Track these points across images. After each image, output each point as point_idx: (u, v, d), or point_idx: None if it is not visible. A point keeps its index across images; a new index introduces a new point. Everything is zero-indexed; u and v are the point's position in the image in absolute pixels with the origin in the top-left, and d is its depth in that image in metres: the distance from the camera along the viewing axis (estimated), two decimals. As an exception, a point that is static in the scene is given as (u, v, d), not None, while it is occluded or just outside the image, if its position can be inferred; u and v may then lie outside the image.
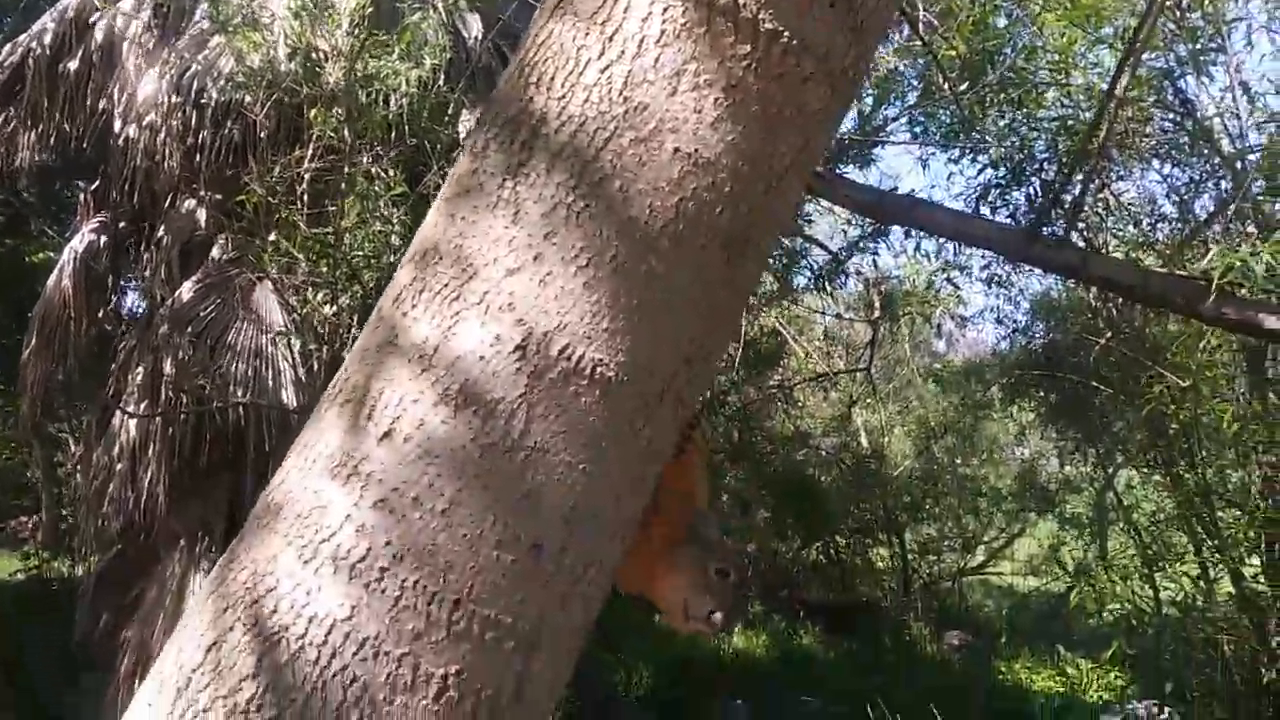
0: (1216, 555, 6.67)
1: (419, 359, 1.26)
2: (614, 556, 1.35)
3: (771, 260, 9.76)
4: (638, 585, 1.69)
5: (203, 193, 8.00)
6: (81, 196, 9.29)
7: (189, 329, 7.62)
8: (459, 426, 1.24)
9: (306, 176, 6.25)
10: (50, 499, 14.65)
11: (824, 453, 11.95)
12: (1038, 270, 8.86)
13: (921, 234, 7.46)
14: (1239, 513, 6.40)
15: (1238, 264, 3.69)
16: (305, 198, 6.26)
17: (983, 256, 7.88)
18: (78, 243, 8.59)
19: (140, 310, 9.24)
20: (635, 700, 9.53)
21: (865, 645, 11.53)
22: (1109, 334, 6.52)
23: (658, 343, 1.31)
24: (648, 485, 1.38)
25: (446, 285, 1.28)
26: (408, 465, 1.24)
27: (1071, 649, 10.81)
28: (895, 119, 7.79)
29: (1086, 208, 7.29)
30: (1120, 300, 7.80)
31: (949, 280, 7.37)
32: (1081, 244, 5.72)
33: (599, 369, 1.26)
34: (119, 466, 8.03)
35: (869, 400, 11.98)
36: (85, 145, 8.44)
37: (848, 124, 8.32)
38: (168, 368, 7.75)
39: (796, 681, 10.33)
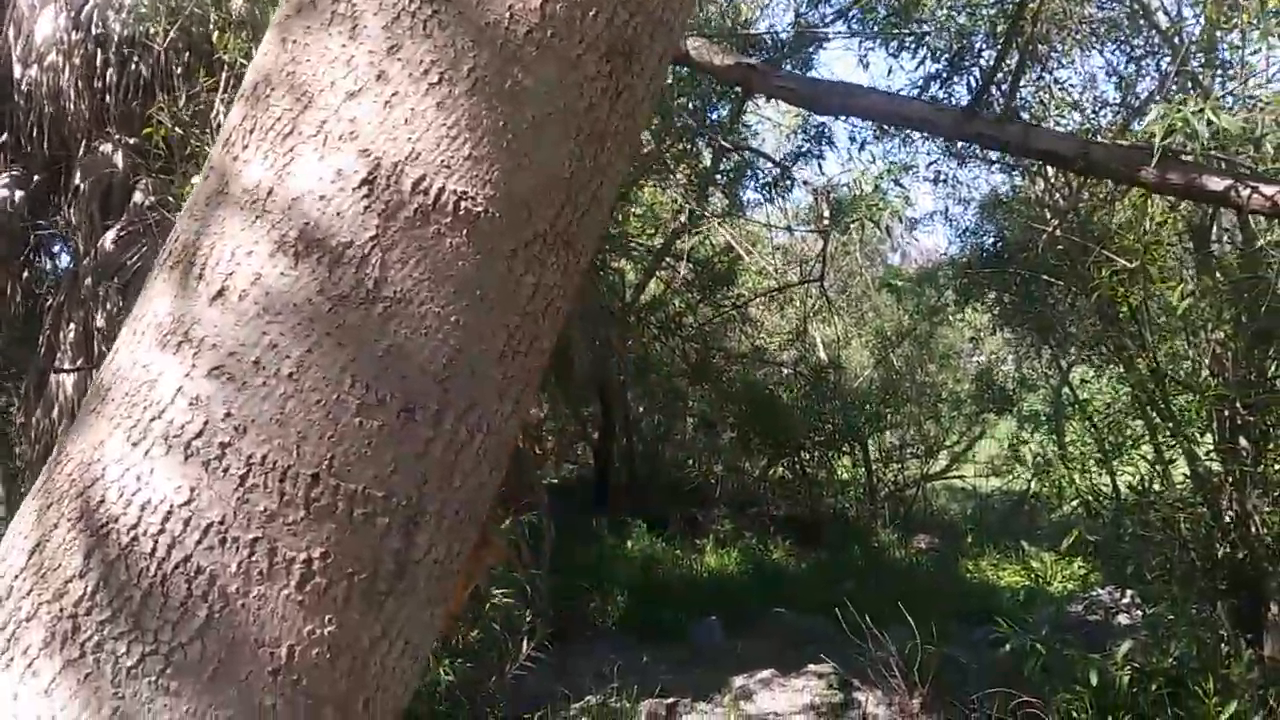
0: (1171, 439, 6.70)
1: (251, 205, 1.09)
2: (504, 420, 1.19)
3: (719, 175, 9.58)
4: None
5: (116, 135, 7.62)
6: (-11, 151, 8.83)
7: (115, 279, 7.32)
8: (302, 278, 1.07)
9: (220, 106, 5.92)
10: (4, 474, 14.30)
11: (783, 368, 11.88)
12: (983, 165, 8.78)
13: (864, 131, 7.30)
14: (1191, 395, 6.42)
15: (1179, 124, 3.58)
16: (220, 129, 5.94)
17: (928, 154, 7.75)
18: (-10, 199, 8.16)
19: (64, 266, 8.88)
20: (612, 626, 9.55)
21: (835, 555, 11.61)
22: (1056, 223, 6.42)
23: (533, 172, 1.13)
24: (540, 346, 1.22)
25: (279, 119, 1.10)
26: (245, 326, 1.07)
27: (1036, 544, 10.97)
28: (833, 17, 7.59)
29: (1029, 95, 7.17)
30: (1066, 189, 7.74)
31: (896, 181, 7.23)
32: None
33: (463, 204, 1.09)
34: (60, 428, 7.77)
35: (824, 314, 11.89)
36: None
37: (784, 23, 8.07)
38: (99, 321, 7.46)
39: (769, 595, 10.40)
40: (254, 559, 1.03)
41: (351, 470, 1.07)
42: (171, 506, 1.03)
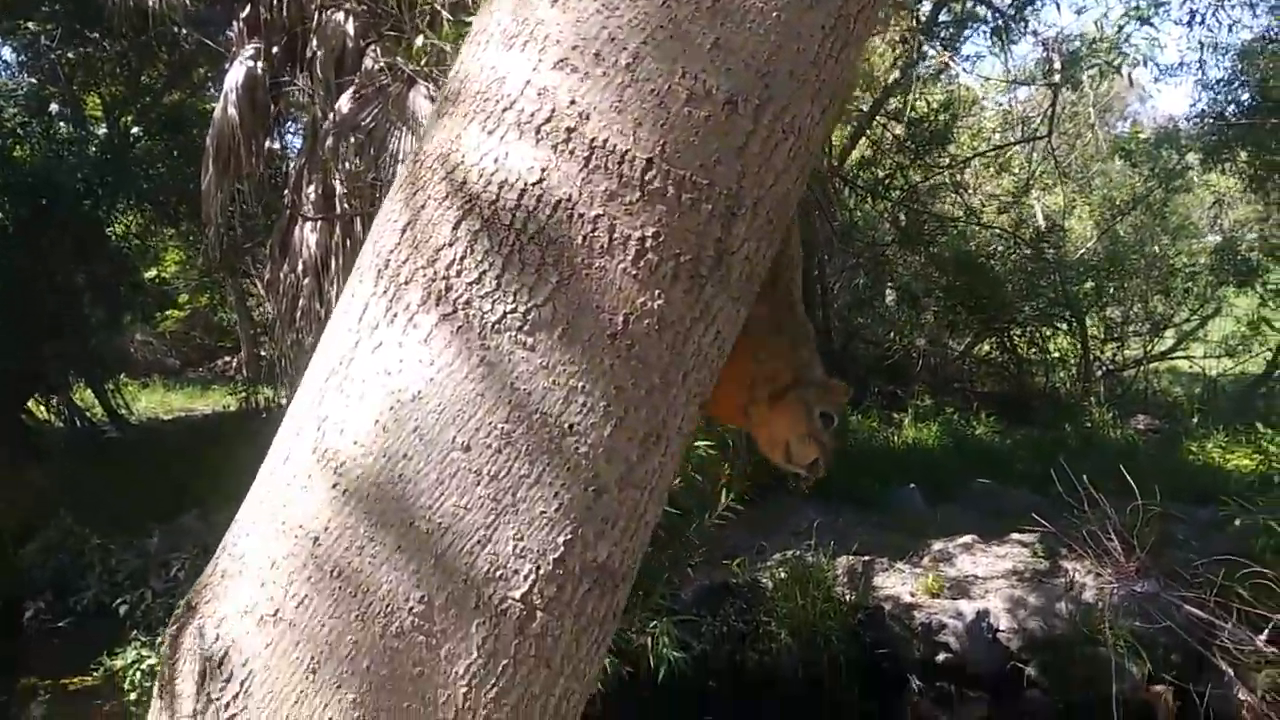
0: None
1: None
2: (816, 124, 1.24)
3: (937, 27, 9.05)
4: (732, 416, 1.55)
5: (348, 2, 8.02)
6: (234, 25, 9.46)
7: (352, 140, 7.81)
8: (638, -27, 1.13)
9: (446, -39, 6.10)
10: (246, 332, 15.81)
11: (999, 235, 11.29)
12: (1246, 4, 7.84)
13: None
14: None
15: None
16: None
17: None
18: (237, 70, 8.80)
19: (303, 132, 9.54)
20: (807, 491, 9.69)
21: (1044, 433, 11.21)
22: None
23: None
24: (847, 56, 1.24)
25: None
26: (585, 21, 1.15)
27: (1273, 428, 10.19)
28: None
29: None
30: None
31: (1144, 19, 6.60)
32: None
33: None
34: (305, 281, 8.48)
35: (1048, 179, 11.17)
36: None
37: None
38: (337, 181, 8.01)
39: (970, 468, 10.22)
40: (596, 233, 1.14)
41: (681, 156, 1.15)
42: (525, 184, 1.15)
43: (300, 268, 8.62)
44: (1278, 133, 7.70)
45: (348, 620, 1.15)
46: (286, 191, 8.93)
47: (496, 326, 1.15)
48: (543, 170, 1.15)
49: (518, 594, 1.17)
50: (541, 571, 1.17)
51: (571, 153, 1.15)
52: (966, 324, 12.62)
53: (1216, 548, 6.64)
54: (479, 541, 1.16)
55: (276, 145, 9.23)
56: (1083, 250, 12.10)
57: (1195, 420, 11.10)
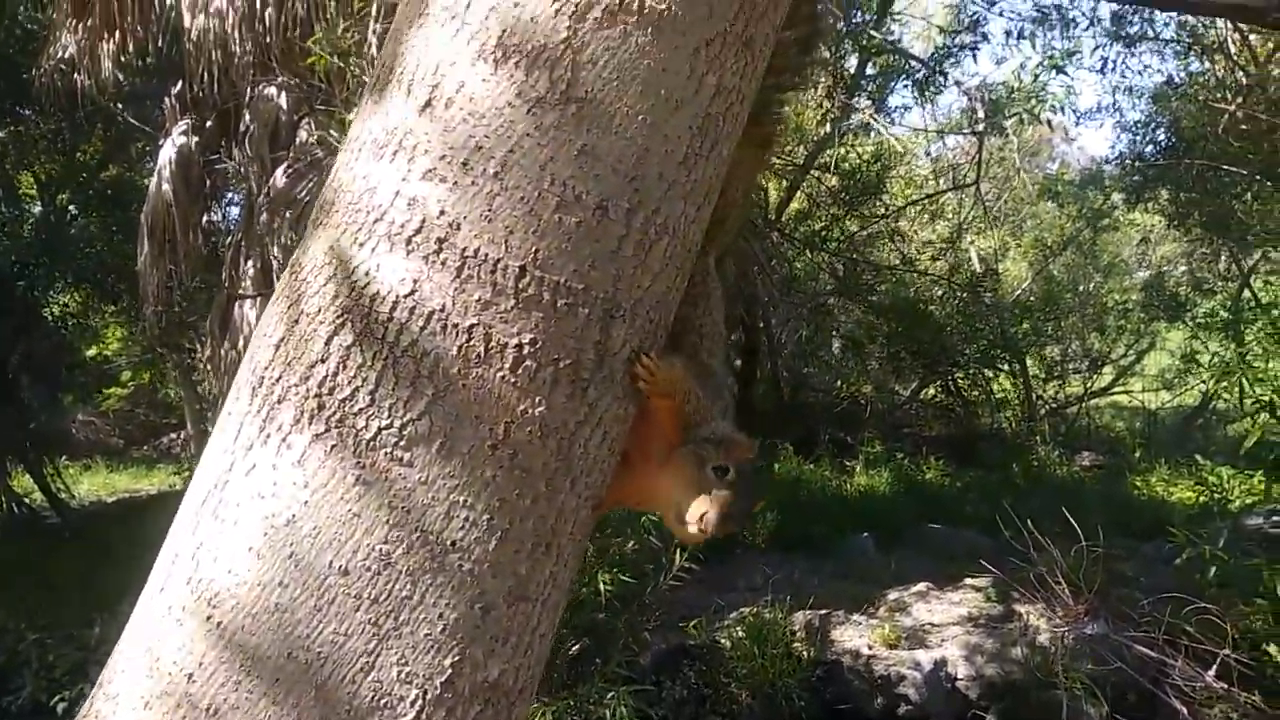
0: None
1: (450, 19, 1.16)
2: (691, 223, 1.24)
3: (864, 81, 9.27)
4: (641, 498, 1.50)
5: (279, 77, 8.01)
6: (166, 101, 9.41)
7: (288, 213, 7.75)
8: (501, 83, 1.13)
9: (375, 33, 6.13)
10: (192, 407, 15.48)
11: (935, 281, 11.49)
12: (1154, 53, 8.15)
13: (1021, 22, 6.90)
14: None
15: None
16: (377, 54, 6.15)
17: (1094, 37, 7.25)
18: (170, 147, 8.73)
19: (239, 208, 9.45)
20: (761, 544, 9.65)
21: (991, 474, 11.32)
22: (1239, 101, 5.95)
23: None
24: (720, 152, 1.25)
25: (473, -64, 1.16)
26: (453, 130, 1.15)
27: (1211, 459, 10.38)
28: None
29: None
30: (1248, 67, 7.10)
31: (1059, 68, 6.82)
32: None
33: (648, 2, 1.12)
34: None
35: (979, 224, 11.42)
36: (161, 49, 8.51)
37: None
38: (276, 252, 7.93)
39: (922, 512, 10.27)
40: (472, 343, 1.12)
41: (555, 262, 1.14)
42: (398, 297, 1.13)
43: (241, 344, 8.48)
44: (1193, 171, 7.97)
45: (222, 761, 1.10)
46: (224, 269, 8.83)
47: (372, 444, 1.13)
48: (415, 282, 1.13)
49: (402, 722, 1.12)
50: (429, 696, 1.14)
51: (443, 263, 1.13)
52: (911, 369, 12.77)
53: (1163, 584, 6.71)
54: (361, 669, 1.12)
55: (217, 217, 9.12)
56: (1018, 291, 12.36)
57: (1138, 455, 11.29)
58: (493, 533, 1.14)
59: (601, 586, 6.09)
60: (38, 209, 12.39)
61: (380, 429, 1.12)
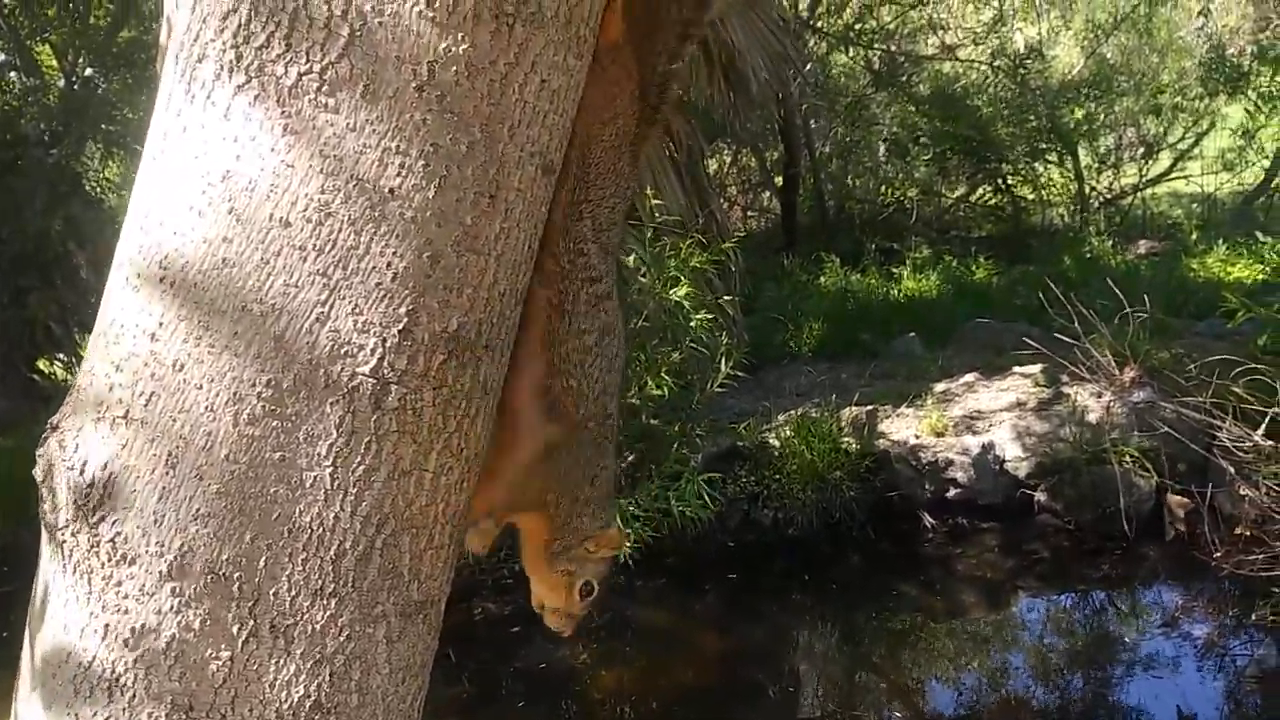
0: None
1: None
2: None
3: None
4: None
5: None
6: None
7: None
8: None
9: None
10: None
11: (978, 65, 10.90)
12: None
13: None
14: None
15: None
16: None
17: None
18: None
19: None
20: (808, 353, 9.69)
21: (1042, 268, 11.09)
22: None
23: None
24: None
25: None
26: None
27: (1273, 237, 10.05)
28: None
29: None
30: None
31: None
32: None
33: None
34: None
35: (1025, 7, 10.75)
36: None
37: None
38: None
39: (971, 312, 10.18)
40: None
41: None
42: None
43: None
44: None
45: (198, 412, 1.14)
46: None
47: (294, 90, 1.11)
48: None
49: (366, 369, 1.15)
50: (388, 344, 1.16)
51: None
52: (958, 169, 12.41)
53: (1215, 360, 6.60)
54: (317, 319, 1.14)
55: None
56: (1069, 75, 11.75)
57: (1194, 238, 10.95)
58: (430, 179, 1.14)
59: (654, 391, 6.20)
60: (61, 83, 12.35)
61: (300, 74, 1.10)
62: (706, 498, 6.07)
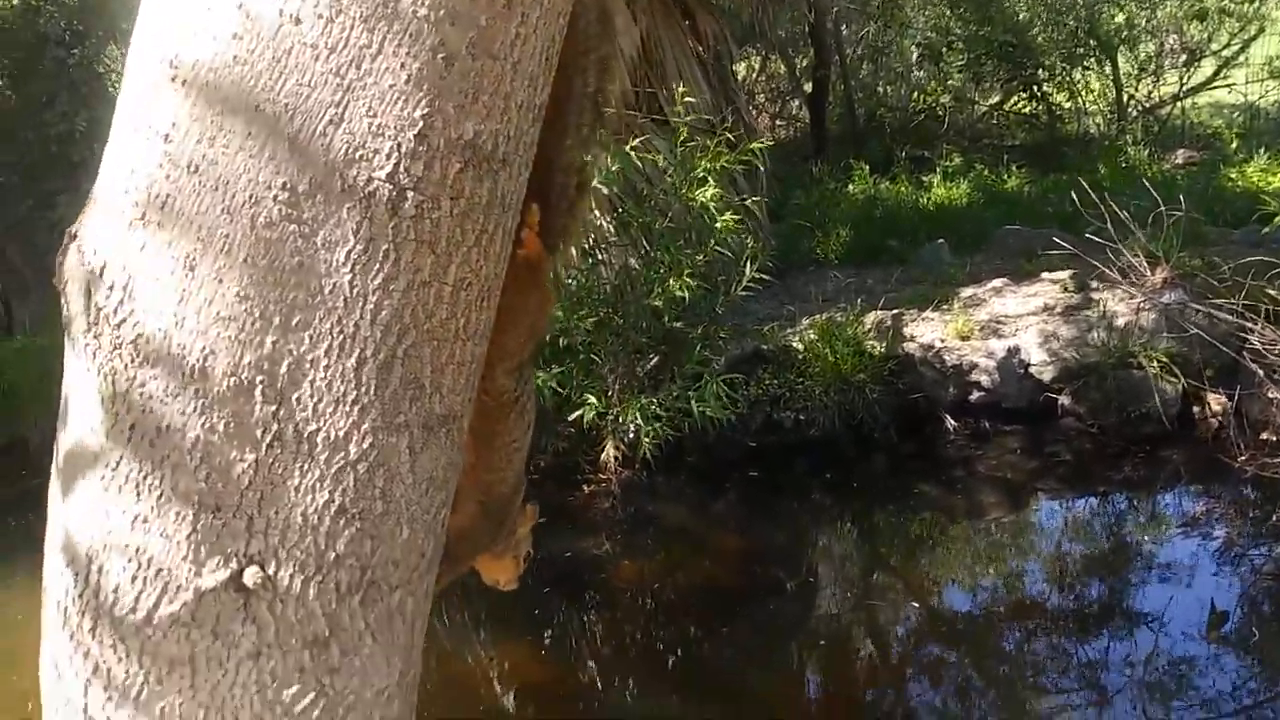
0: None
1: None
2: None
3: None
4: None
5: None
6: None
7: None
8: None
9: None
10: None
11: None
12: None
13: None
14: None
15: None
16: None
17: None
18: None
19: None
20: (835, 259, 9.59)
21: (1076, 177, 10.84)
22: None
23: None
24: None
25: None
26: None
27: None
28: None
29: None
30: None
31: None
32: None
33: None
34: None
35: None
36: None
37: None
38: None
39: (1001, 219, 10.02)
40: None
41: None
42: None
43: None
44: None
45: (214, 215, 1.14)
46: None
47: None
48: None
49: (383, 174, 1.14)
50: (403, 149, 1.14)
51: None
52: (992, 75, 12.07)
53: (1251, 265, 6.46)
54: (331, 121, 1.12)
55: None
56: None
57: (1235, 147, 10.64)
58: (441, -24, 1.11)
59: (677, 293, 6.17)
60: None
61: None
62: (726, 399, 6.10)
